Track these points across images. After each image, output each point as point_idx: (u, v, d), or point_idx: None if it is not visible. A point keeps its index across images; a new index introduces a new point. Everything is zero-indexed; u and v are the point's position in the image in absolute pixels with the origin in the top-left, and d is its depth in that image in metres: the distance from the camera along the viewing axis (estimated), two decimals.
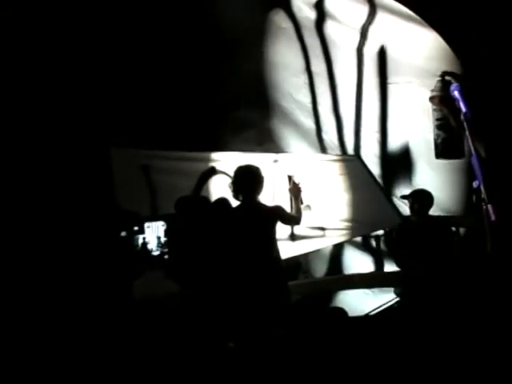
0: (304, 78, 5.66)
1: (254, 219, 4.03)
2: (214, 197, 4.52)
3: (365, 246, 5.04)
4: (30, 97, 5.28)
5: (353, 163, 4.93)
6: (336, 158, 5.12)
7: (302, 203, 4.21)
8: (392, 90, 5.38)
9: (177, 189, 4.53)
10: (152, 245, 2.66)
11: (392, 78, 5.44)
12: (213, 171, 4.63)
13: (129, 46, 5.39)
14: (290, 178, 4.36)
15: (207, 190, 4.64)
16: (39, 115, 5.28)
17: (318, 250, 5.02)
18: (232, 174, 4.66)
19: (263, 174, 4.09)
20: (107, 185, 4.68)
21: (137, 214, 3.65)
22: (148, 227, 3.00)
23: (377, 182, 4.89)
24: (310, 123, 5.78)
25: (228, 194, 4.21)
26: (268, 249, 3.97)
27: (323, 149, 5.50)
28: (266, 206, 4.12)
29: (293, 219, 4.13)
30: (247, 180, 4.10)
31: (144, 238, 2.67)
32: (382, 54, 5.35)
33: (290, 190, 4.30)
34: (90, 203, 4.64)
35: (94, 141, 5.21)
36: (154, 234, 2.70)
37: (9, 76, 4.97)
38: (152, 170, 4.80)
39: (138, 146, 5.02)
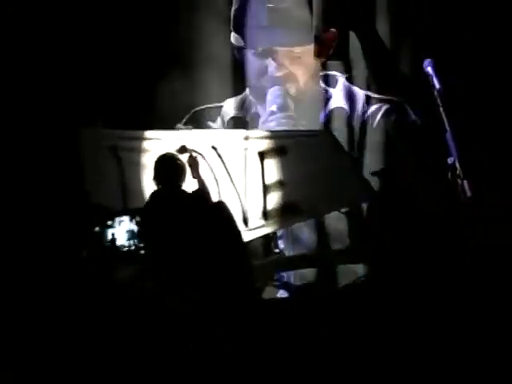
0: None
1: (179, 206, 3.95)
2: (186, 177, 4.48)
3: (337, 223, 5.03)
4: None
5: (323, 138, 4.89)
6: (306, 132, 5.08)
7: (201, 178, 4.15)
8: None
9: (146, 169, 4.48)
10: (124, 240, 2.61)
11: None
12: (183, 150, 4.56)
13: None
14: (184, 148, 4.25)
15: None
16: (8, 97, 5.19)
17: (292, 227, 5.00)
18: (202, 153, 4.63)
19: (182, 161, 4.01)
20: (76, 168, 4.62)
21: (107, 208, 3.59)
22: (120, 221, 2.94)
23: (348, 157, 4.86)
24: None
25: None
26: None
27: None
28: (189, 193, 4.02)
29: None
30: (166, 168, 4.02)
31: (113, 234, 2.60)
32: None
33: (189, 163, 4.15)
34: (59, 190, 4.57)
35: (60, 123, 5.14)
36: (126, 228, 2.63)
37: None
38: (120, 151, 4.73)
39: (105, 127, 4.97)
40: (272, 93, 5.22)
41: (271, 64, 5.17)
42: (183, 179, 4.03)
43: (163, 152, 4.16)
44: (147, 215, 3.93)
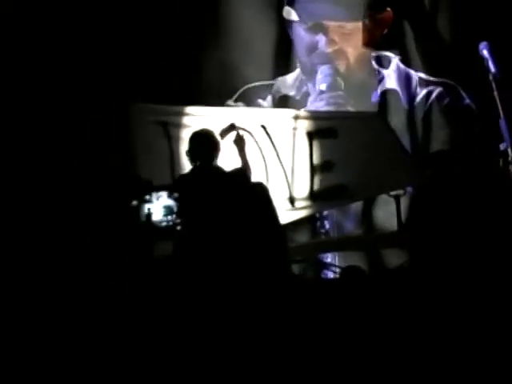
0: None
1: (213, 184, 3.85)
2: (233, 155, 4.48)
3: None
4: (46, 55, 5.24)
5: (373, 120, 4.83)
6: (356, 114, 5.03)
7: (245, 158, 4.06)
8: None
9: None
10: (162, 215, 2.59)
11: None
12: (232, 128, 4.55)
13: None
14: (233, 126, 4.21)
15: (226, 148, 4.58)
16: (54, 73, 5.24)
17: (341, 209, 4.98)
18: (251, 131, 4.62)
19: (216, 138, 3.91)
20: (124, 144, 4.65)
21: (149, 182, 3.59)
22: (160, 196, 2.92)
23: (398, 141, 4.79)
24: None
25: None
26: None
27: None
28: (225, 171, 3.94)
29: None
30: (203, 145, 3.94)
31: (149, 209, 2.57)
32: None
33: (235, 141, 4.11)
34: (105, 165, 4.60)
35: (109, 97, 5.18)
36: (165, 203, 2.61)
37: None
38: (170, 127, 4.75)
39: (153, 102, 4.99)
40: (322, 71, 5.18)
41: (322, 39, 5.15)
42: (216, 156, 3.96)
43: (199, 128, 4.16)
44: (179, 191, 3.97)
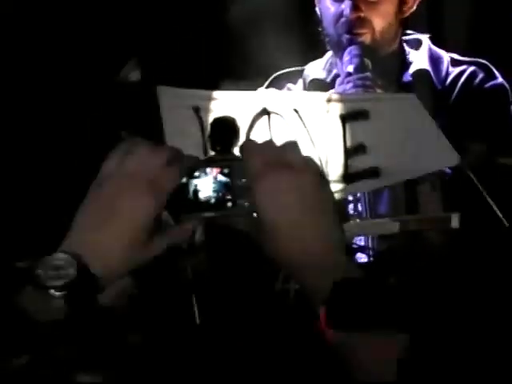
0: None
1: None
2: (264, 139, 4.44)
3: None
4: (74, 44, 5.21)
5: (407, 101, 4.78)
6: (389, 96, 4.97)
7: None
8: None
9: None
10: (210, 191, 2.54)
11: None
12: (264, 112, 4.51)
13: None
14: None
15: (258, 133, 4.55)
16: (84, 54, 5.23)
17: (375, 191, 4.94)
18: (283, 115, 4.58)
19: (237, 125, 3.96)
20: (155, 129, 4.62)
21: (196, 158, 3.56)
22: (206, 173, 2.87)
23: (432, 122, 4.72)
24: None
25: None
26: None
27: None
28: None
29: None
30: (225, 132, 4.00)
31: (196, 185, 2.49)
32: None
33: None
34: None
35: (139, 82, 5.16)
36: (214, 179, 2.54)
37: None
38: (202, 111, 4.72)
39: (184, 86, 4.96)
40: (349, 52, 5.09)
41: (347, 5, 4.99)
42: (236, 144, 3.93)
43: (220, 114, 4.12)
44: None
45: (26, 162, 4.90)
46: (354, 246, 4.89)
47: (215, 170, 2.31)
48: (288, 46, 5.19)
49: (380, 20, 5.02)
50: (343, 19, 5.02)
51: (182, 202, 2.23)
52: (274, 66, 5.21)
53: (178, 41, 5.32)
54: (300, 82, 5.30)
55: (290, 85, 5.29)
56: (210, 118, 4.50)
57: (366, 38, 5.05)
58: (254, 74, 5.19)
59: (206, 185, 2.30)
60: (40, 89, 5.03)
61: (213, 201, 2.26)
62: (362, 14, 5.01)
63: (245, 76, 5.14)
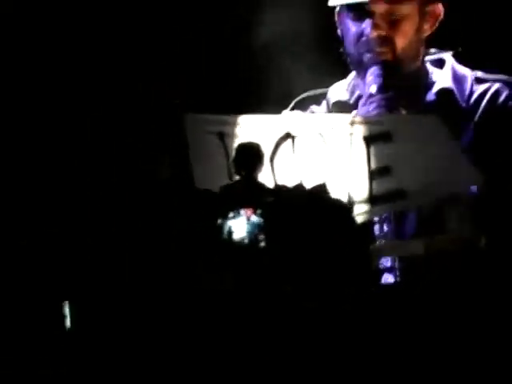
0: None
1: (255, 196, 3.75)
2: (287, 163, 4.52)
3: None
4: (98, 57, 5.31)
5: (430, 122, 4.78)
6: (413, 117, 4.98)
7: None
8: None
9: None
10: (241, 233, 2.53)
11: None
12: (288, 136, 4.56)
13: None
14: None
15: (282, 157, 4.59)
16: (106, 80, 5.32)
17: (400, 212, 4.94)
18: (307, 138, 4.62)
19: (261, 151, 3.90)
20: (181, 156, 4.69)
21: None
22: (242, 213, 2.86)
23: (456, 143, 4.73)
24: None
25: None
26: None
27: None
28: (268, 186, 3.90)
29: None
30: (249, 157, 3.96)
31: (231, 227, 2.52)
32: None
33: None
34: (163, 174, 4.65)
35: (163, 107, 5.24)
36: (247, 220, 2.56)
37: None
38: (226, 137, 4.77)
39: (208, 112, 5.02)
40: (372, 72, 5.10)
41: (367, 24, 4.99)
42: (259, 169, 3.94)
43: (244, 140, 4.21)
44: (221, 201, 3.97)
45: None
46: (381, 267, 4.90)
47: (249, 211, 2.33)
48: (311, 68, 5.23)
49: (401, 38, 5.00)
50: (364, 38, 5.01)
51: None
52: (298, 89, 5.25)
53: (203, 66, 5.40)
54: (324, 103, 5.32)
55: (313, 107, 5.32)
56: (235, 144, 4.57)
57: (388, 56, 5.03)
58: (278, 97, 5.24)
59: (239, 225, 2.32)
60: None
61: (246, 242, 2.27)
62: (383, 33, 5.00)
63: (269, 99, 5.20)
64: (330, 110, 5.30)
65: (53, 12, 5.16)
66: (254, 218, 2.40)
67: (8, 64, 5.11)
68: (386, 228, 5.08)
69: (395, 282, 4.83)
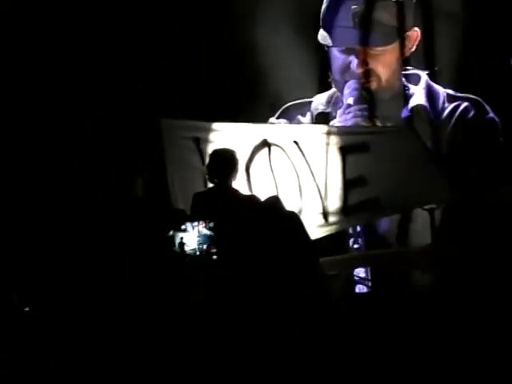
0: None
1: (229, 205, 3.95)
2: (263, 171, 4.57)
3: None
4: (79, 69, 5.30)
5: (405, 134, 4.85)
6: (388, 128, 5.05)
7: None
8: None
9: None
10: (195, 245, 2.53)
11: None
12: (265, 144, 4.59)
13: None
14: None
15: (258, 165, 4.61)
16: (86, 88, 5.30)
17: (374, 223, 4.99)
18: (283, 147, 4.66)
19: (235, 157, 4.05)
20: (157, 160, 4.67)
21: (183, 211, 3.61)
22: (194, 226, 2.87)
23: (430, 154, 4.80)
24: None
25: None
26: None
27: None
28: (242, 194, 4.07)
29: None
30: (223, 163, 4.05)
31: (182, 238, 2.53)
32: None
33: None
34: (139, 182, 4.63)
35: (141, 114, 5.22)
36: (199, 233, 2.57)
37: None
38: (202, 143, 4.79)
39: (186, 118, 5.03)
40: (349, 86, 5.26)
41: (354, 61, 5.28)
42: (232, 176, 4.06)
43: (220, 146, 4.29)
44: (193, 208, 4.00)
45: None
46: (355, 278, 4.92)
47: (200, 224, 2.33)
48: (296, 77, 5.34)
49: (385, 69, 5.33)
50: (350, 71, 5.31)
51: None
52: (283, 97, 5.35)
53: (185, 72, 5.39)
54: (308, 114, 5.44)
55: (299, 117, 5.44)
56: (210, 149, 4.59)
57: (373, 85, 5.31)
58: (262, 106, 5.31)
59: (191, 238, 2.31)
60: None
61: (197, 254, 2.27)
62: (368, 67, 5.29)
63: (254, 108, 5.24)
64: (313, 121, 5.40)
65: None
66: (205, 231, 2.40)
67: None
68: (360, 240, 5.13)
69: (368, 291, 4.88)
